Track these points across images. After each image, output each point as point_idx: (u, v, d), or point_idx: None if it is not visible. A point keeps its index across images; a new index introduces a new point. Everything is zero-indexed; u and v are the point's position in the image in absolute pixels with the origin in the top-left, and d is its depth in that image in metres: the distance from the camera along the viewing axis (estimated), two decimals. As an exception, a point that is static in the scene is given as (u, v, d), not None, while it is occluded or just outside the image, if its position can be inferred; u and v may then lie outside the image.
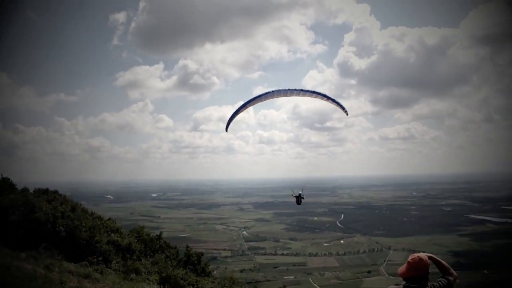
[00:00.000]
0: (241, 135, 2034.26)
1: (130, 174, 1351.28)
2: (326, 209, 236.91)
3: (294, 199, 24.81)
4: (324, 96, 21.66)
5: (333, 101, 21.76)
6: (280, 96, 21.34)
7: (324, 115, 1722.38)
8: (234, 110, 22.55)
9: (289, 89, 21.13)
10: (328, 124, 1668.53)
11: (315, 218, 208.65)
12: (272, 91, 21.04)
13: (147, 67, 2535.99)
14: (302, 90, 21.26)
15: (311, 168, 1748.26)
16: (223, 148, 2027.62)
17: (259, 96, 21.53)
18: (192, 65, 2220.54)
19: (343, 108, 22.20)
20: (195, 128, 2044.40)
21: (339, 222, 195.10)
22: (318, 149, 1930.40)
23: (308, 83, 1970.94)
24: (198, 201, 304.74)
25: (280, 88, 21.15)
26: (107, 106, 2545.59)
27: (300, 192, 24.84)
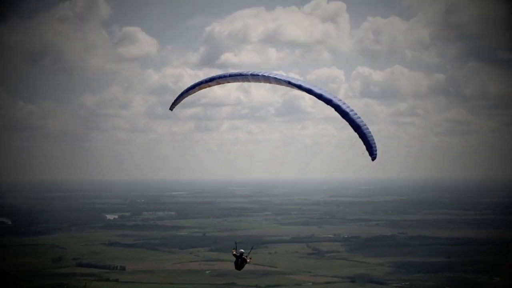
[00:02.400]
0: (318, 76, 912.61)
1: (54, 170, 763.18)
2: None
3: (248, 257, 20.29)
4: (335, 107, 16.94)
5: (349, 120, 16.86)
6: (257, 81, 18.65)
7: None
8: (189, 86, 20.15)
9: (276, 76, 17.62)
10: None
11: (497, 278, 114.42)
12: (250, 73, 18.15)
13: None
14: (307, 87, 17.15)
15: (487, 158, 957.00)
16: (275, 109, 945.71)
17: (224, 76, 18.87)
18: None
19: (370, 146, 16.91)
20: (209, 61, 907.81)
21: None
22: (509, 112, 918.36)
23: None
24: (216, 232, 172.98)
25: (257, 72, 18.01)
26: None
27: (243, 251, 20.05)
